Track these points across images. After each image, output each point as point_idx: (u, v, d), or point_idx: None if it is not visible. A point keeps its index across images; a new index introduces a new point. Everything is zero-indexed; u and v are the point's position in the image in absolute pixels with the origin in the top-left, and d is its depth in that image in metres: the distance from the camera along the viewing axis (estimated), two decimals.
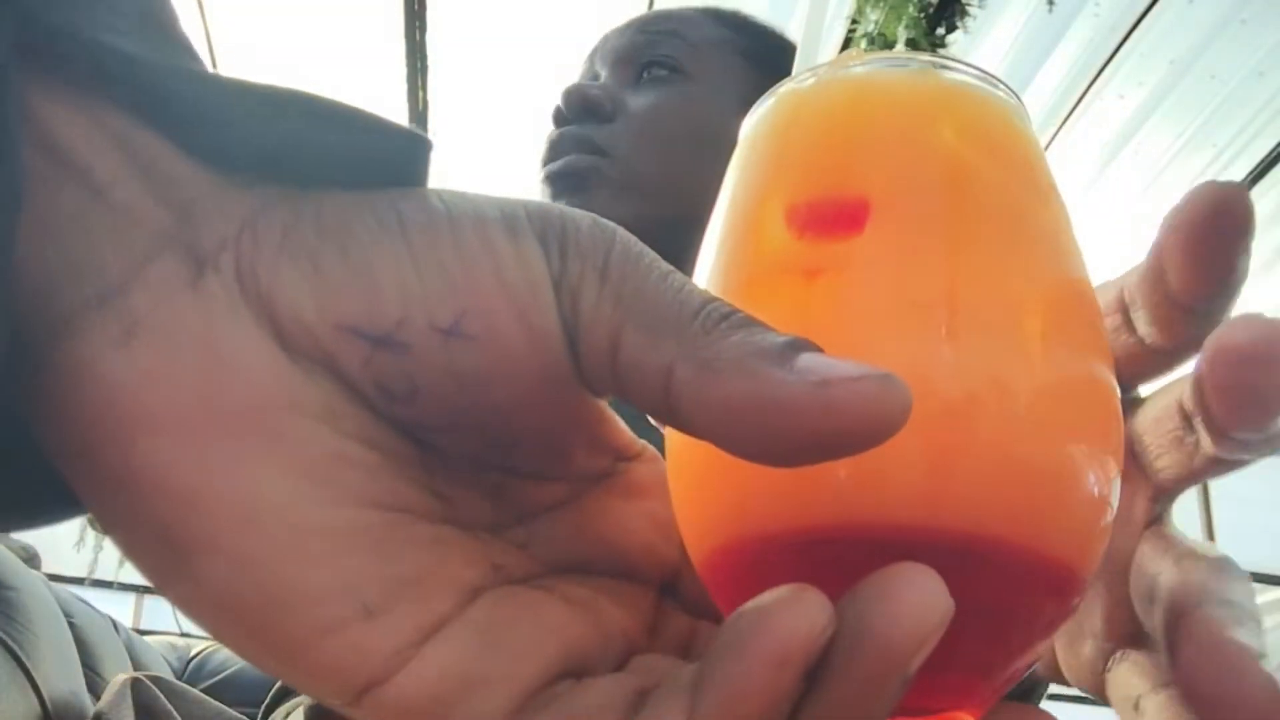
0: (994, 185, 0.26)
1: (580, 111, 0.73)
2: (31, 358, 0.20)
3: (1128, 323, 0.28)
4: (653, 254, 0.23)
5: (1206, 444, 0.25)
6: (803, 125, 0.28)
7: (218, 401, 0.20)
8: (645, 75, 0.75)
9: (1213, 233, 0.24)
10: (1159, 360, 0.28)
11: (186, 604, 0.21)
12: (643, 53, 0.75)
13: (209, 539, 0.20)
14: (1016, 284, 0.25)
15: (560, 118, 0.74)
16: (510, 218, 0.22)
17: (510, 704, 0.21)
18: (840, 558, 0.23)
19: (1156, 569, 0.26)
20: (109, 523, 0.21)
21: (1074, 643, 0.30)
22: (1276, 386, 0.22)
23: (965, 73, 0.28)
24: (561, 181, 0.72)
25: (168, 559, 0.21)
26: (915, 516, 0.22)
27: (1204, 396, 0.24)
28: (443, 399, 0.22)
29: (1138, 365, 0.28)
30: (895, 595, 0.18)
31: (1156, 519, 0.28)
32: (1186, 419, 0.26)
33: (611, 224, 0.23)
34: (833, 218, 0.25)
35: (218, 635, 0.22)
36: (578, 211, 0.23)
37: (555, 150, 0.73)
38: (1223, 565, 0.25)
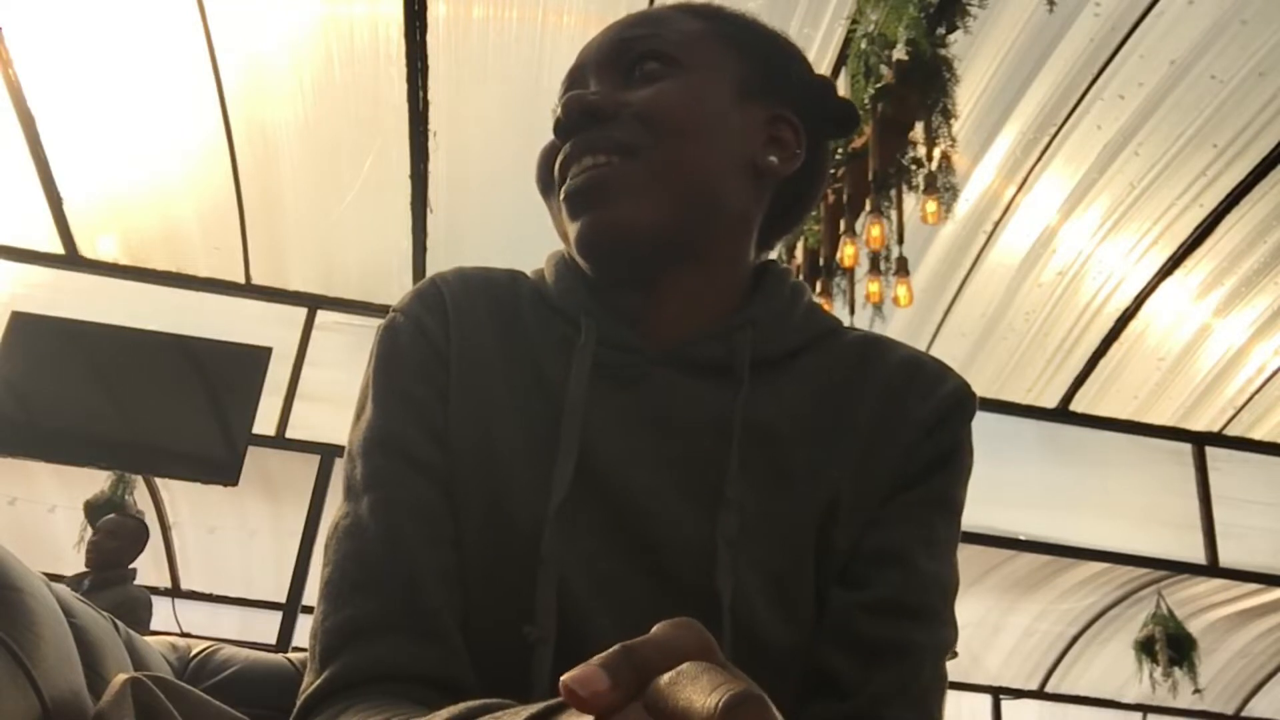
0: None
1: (581, 118, 0.71)
2: None
3: None
4: None
5: None
6: None
7: None
8: (637, 72, 0.72)
9: None
10: None
11: None
12: (629, 52, 0.73)
13: None
14: None
15: (562, 128, 0.72)
16: None
17: None
18: None
19: None
20: None
21: None
22: None
23: None
24: (582, 199, 0.69)
25: None
26: None
27: None
28: None
29: None
30: None
31: None
32: None
33: None
34: None
35: None
36: None
37: (569, 161, 0.71)
38: None
